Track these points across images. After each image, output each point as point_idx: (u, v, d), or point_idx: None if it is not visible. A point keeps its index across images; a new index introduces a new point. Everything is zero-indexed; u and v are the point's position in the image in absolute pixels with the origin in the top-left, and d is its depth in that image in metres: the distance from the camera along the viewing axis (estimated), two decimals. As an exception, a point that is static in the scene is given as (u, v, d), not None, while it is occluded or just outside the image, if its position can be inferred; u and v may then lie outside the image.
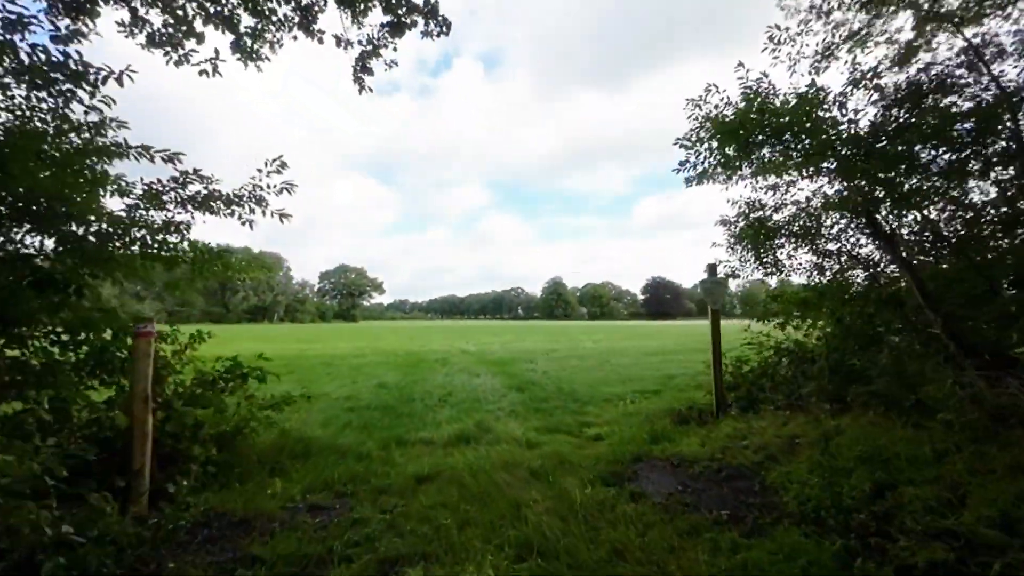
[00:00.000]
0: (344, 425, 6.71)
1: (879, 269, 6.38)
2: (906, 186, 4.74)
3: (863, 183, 4.94)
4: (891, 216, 5.07)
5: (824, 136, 5.18)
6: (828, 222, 6.88)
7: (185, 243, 5.78)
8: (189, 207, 5.46)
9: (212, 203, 5.57)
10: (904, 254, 4.54)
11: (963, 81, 4.63)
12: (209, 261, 5.34)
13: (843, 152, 5.13)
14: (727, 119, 5.12)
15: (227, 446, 4.45)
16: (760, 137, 5.13)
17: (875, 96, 5.10)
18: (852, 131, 5.13)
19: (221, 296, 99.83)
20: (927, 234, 4.82)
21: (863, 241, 6.55)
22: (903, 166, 4.69)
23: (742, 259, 7.76)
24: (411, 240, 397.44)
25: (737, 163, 5.92)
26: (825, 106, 5.34)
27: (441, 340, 28.16)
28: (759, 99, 5.41)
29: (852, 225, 6.50)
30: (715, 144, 5.51)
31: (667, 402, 7.94)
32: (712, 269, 6.47)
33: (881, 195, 4.85)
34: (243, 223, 5.71)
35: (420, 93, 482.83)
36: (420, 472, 4.54)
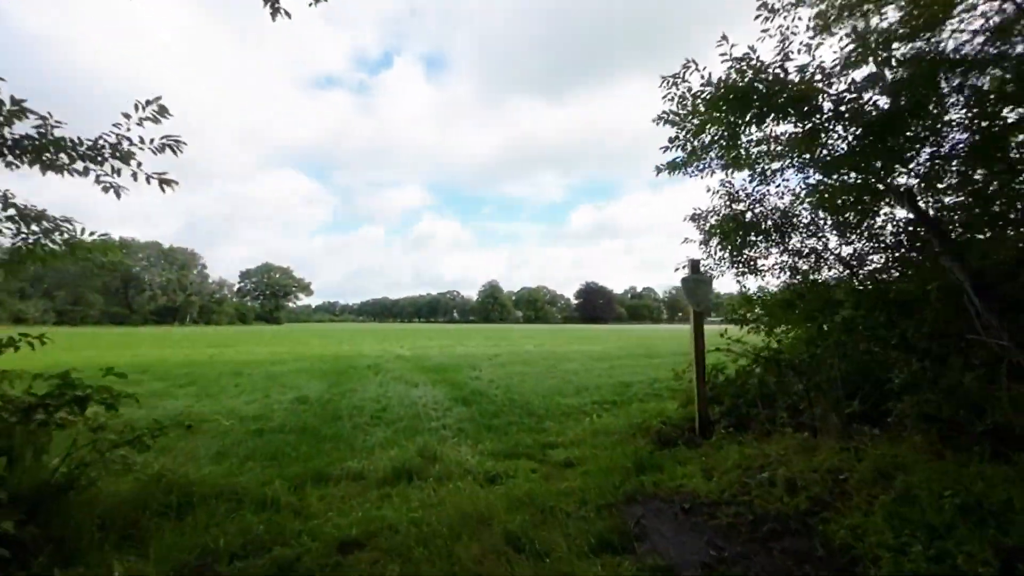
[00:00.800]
0: (246, 456, 5.24)
1: (864, 269, 5.88)
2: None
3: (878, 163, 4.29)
4: (927, 198, 4.47)
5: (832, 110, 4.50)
6: (808, 217, 6.35)
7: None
8: (9, 156, 3.88)
9: (50, 153, 4.02)
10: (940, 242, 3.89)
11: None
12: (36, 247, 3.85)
13: (854, 131, 4.46)
14: (738, 84, 4.29)
15: (46, 510, 2.96)
16: (767, 109, 4.34)
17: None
18: (862, 107, 4.48)
19: (124, 295, 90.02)
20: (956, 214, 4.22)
21: (849, 238, 6.04)
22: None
23: (718, 259, 7.10)
24: (344, 240, 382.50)
25: (738, 139, 5.15)
26: (831, 80, 4.68)
27: (373, 344, 26.25)
28: (755, 72, 4.67)
29: (840, 218, 5.96)
30: (718, 114, 4.67)
31: (634, 416, 7.09)
32: (695, 266, 5.67)
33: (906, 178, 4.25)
34: (105, 188, 4.20)
35: (358, 90, 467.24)
36: (345, 532, 3.27)
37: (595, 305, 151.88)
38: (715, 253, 7.05)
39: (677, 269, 7.50)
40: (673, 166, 6.94)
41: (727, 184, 6.55)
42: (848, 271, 5.97)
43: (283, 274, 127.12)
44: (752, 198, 6.38)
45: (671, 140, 5.46)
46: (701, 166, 6.38)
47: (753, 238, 6.56)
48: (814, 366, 4.40)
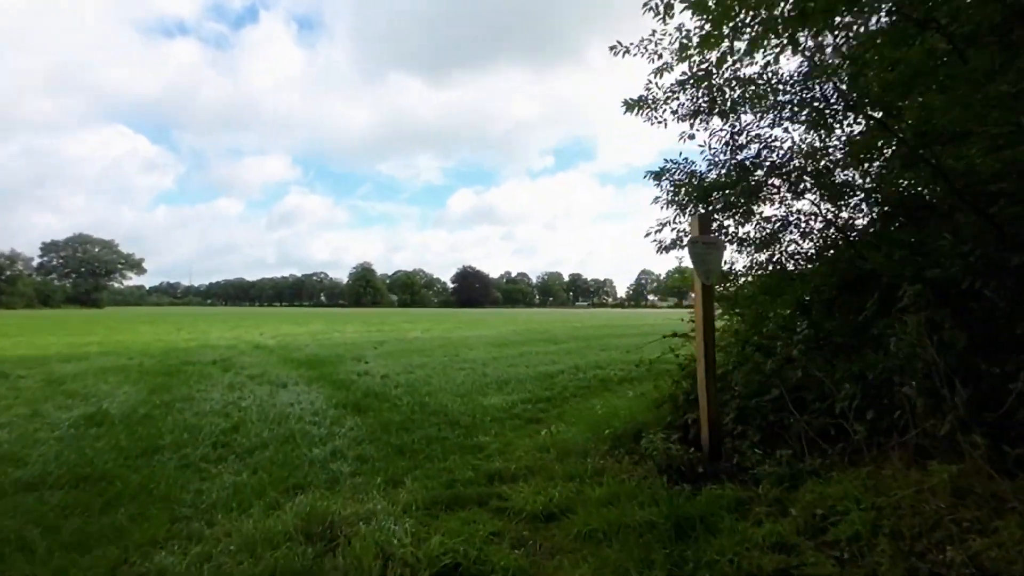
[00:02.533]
0: (-77, 566, 2.62)
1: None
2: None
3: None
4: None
5: None
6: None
7: None
8: None
9: None
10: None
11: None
12: None
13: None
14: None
15: None
16: None
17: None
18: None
19: None
20: None
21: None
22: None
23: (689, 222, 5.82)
24: (193, 213, 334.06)
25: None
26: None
27: (224, 331, 21.80)
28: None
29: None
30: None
31: (587, 420, 5.56)
32: (704, 222, 4.18)
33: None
34: None
35: (214, 43, 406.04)
36: None
37: (472, 289, 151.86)
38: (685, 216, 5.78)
39: (648, 234, 6.16)
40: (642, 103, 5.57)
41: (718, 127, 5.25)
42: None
43: (104, 248, 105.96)
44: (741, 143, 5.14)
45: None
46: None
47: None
48: (901, 354, 3.15)
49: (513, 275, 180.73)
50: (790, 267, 5.12)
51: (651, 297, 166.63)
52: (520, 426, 5.76)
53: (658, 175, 5.90)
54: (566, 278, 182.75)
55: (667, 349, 5.76)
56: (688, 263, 4.59)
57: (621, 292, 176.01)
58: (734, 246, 5.73)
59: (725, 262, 6.33)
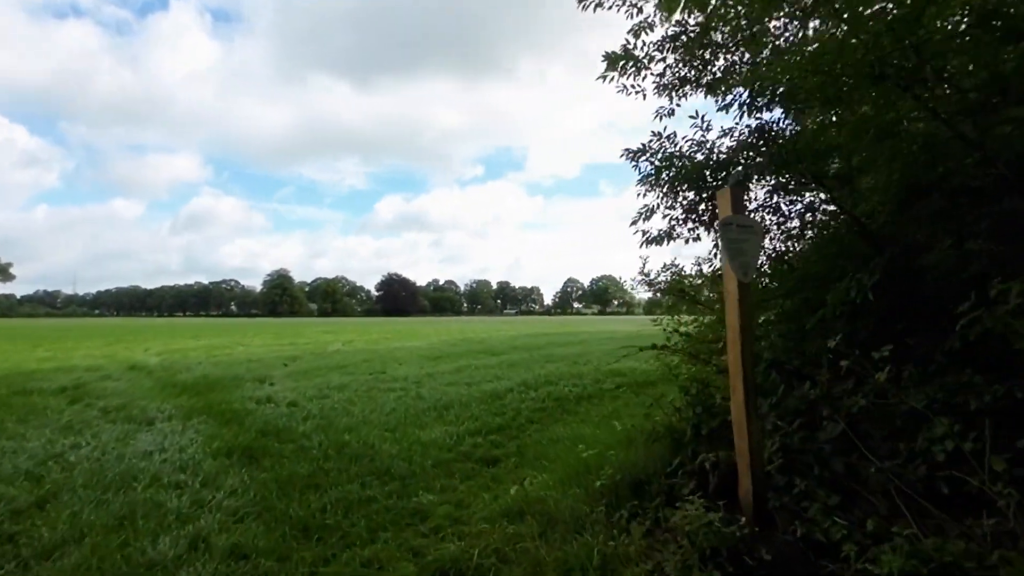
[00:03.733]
0: None
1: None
2: None
3: None
4: None
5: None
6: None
7: None
8: None
9: None
10: None
11: None
12: None
13: None
14: None
15: None
16: None
17: None
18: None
19: None
20: None
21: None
22: None
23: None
24: (82, 214, 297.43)
25: None
26: None
27: (101, 346, 18.29)
28: None
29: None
30: None
31: (568, 467, 4.28)
32: (737, 197, 3.04)
33: None
34: None
35: (114, 27, 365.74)
36: None
37: (398, 297, 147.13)
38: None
39: (634, 221, 5.06)
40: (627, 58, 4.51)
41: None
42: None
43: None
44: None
45: None
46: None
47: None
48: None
49: (441, 283, 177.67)
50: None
51: (576, 305, 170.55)
52: (473, 472, 4.37)
53: (637, 154, 4.82)
54: (494, 286, 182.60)
55: (626, 358, 4.58)
56: (664, 259, 3.47)
57: (548, 300, 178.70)
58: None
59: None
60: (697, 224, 4.82)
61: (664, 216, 4.58)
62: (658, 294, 7.33)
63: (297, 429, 5.57)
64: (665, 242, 5.01)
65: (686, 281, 7.26)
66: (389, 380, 9.33)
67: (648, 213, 4.84)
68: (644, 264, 7.46)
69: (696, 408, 3.87)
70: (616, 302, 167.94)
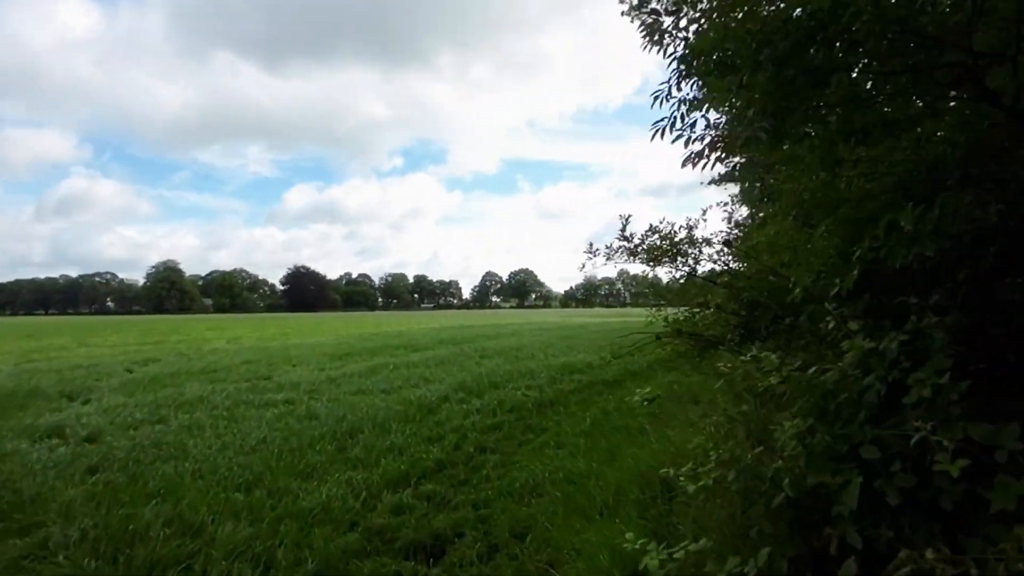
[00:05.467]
0: None
1: None
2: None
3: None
4: None
5: None
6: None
7: None
8: None
9: None
10: None
11: None
12: None
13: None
14: None
15: None
16: None
17: None
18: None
19: None
20: None
21: None
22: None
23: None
24: None
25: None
26: None
27: None
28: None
29: None
30: None
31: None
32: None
33: None
34: None
35: None
36: None
37: (306, 291, 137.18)
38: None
39: (664, 130, 3.05)
40: None
41: None
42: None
43: None
44: None
45: None
46: None
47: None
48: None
49: (354, 276, 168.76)
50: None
51: (495, 299, 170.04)
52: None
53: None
54: (411, 280, 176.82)
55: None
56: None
57: (466, 294, 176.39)
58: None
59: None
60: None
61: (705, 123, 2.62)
62: (646, 263, 5.55)
63: (47, 500, 2.99)
64: (709, 161, 3.06)
65: (681, 247, 5.52)
66: (272, 389, 6.72)
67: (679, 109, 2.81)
68: (625, 225, 5.65)
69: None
70: (534, 296, 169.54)
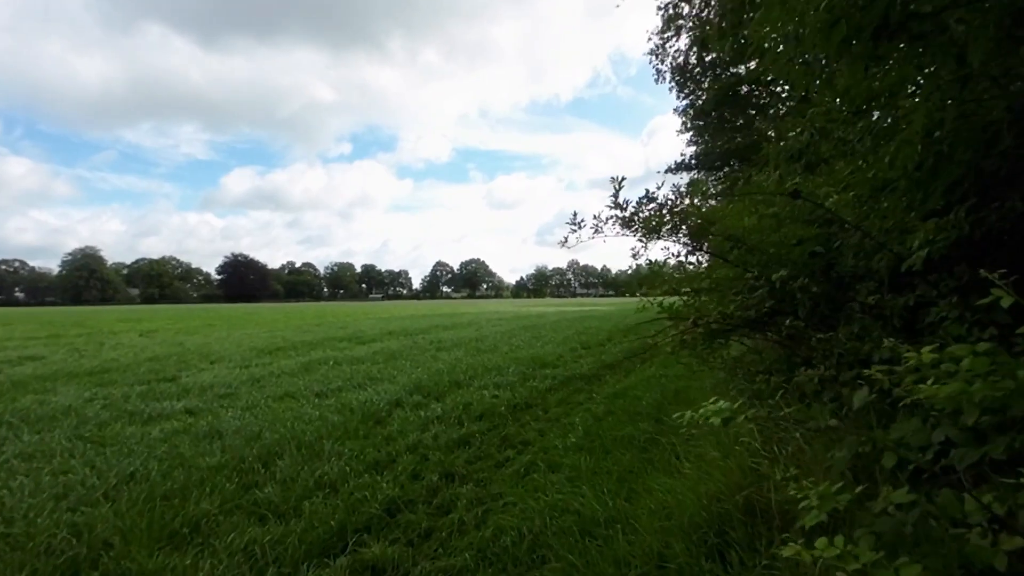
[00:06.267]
0: None
1: None
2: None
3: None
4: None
5: None
6: None
7: None
8: None
9: None
10: None
11: None
12: None
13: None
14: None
15: None
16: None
17: None
18: None
19: None
20: None
21: None
22: None
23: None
24: None
25: None
26: None
27: None
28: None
29: None
30: None
31: None
32: None
33: None
34: None
35: None
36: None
37: (245, 281, 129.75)
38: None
39: None
40: None
41: None
42: None
43: None
44: None
45: None
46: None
47: None
48: None
49: (298, 265, 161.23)
50: None
51: (446, 288, 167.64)
52: None
53: None
54: (358, 269, 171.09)
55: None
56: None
57: (416, 284, 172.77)
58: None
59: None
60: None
61: None
62: (643, 234, 4.60)
63: None
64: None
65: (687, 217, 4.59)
66: (173, 394, 5.30)
67: None
68: (617, 191, 4.68)
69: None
70: (485, 286, 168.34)
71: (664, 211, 4.57)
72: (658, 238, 4.92)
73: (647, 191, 4.77)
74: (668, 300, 5.34)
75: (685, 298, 5.24)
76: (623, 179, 4.63)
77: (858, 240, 2.73)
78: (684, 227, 4.54)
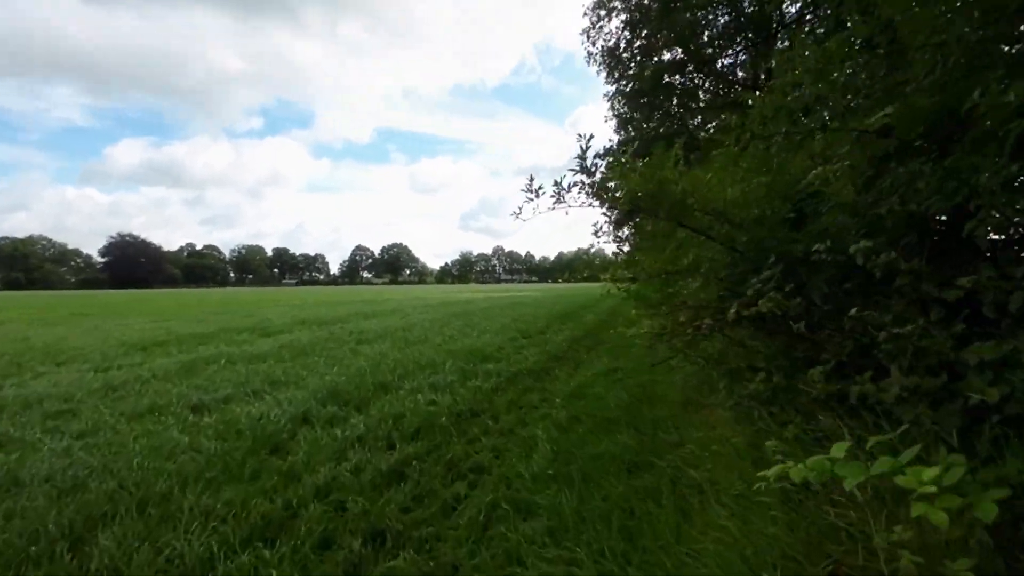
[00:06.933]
0: None
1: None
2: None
3: None
4: None
5: None
6: None
7: None
8: None
9: None
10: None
11: None
12: None
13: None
14: None
15: None
16: None
17: None
18: None
19: None
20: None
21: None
22: None
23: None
24: None
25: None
26: None
27: None
28: None
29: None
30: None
31: None
32: None
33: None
34: None
35: None
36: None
37: (134, 265, 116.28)
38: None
39: None
40: None
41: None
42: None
43: None
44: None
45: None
46: None
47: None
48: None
49: (199, 247, 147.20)
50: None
51: (366, 274, 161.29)
52: None
53: None
54: (269, 252, 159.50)
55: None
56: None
57: (334, 269, 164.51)
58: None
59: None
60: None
61: None
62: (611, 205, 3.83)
63: None
64: None
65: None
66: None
67: None
68: (584, 151, 3.88)
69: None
70: (408, 271, 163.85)
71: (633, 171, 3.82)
72: (630, 212, 4.20)
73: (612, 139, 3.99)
74: (622, 286, 4.65)
75: (639, 283, 4.57)
76: (591, 136, 3.81)
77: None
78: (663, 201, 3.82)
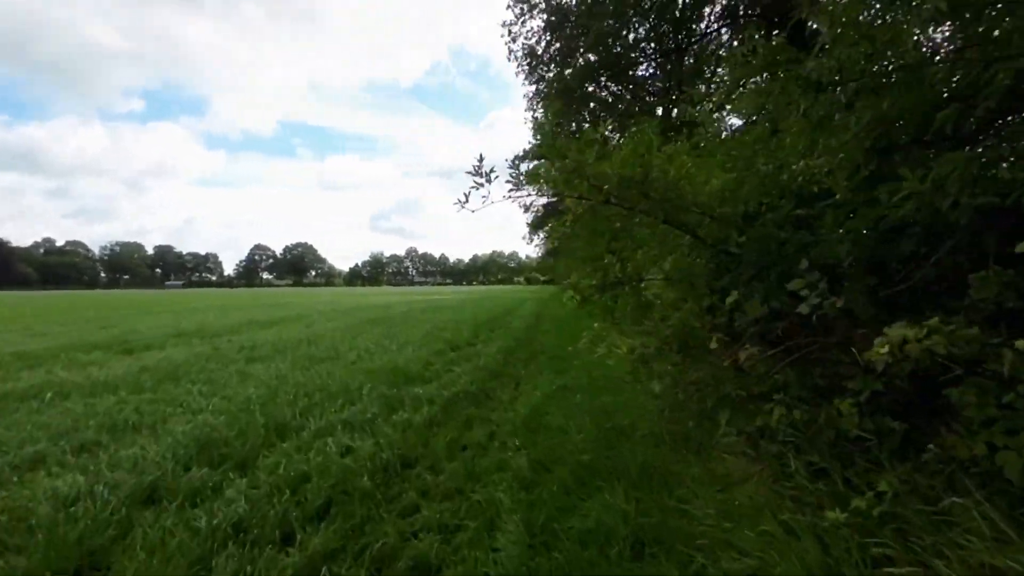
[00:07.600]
0: None
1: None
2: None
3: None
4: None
5: None
6: None
7: None
8: None
9: None
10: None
11: None
12: None
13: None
14: None
15: None
16: None
17: None
18: None
19: None
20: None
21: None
22: None
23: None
24: None
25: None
26: None
27: None
28: None
29: None
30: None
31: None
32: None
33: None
34: None
35: None
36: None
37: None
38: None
39: None
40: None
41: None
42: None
43: None
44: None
45: None
46: None
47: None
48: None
49: (60, 244, 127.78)
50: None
51: (266, 275, 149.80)
52: None
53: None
54: (150, 251, 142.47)
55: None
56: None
57: (229, 269, 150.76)
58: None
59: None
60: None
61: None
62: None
63: None
64: None
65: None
66: None
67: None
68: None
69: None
70: (314, 273, 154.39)
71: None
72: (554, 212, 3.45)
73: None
74: (576, 297, 3.94)
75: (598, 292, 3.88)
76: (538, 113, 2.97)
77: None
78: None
